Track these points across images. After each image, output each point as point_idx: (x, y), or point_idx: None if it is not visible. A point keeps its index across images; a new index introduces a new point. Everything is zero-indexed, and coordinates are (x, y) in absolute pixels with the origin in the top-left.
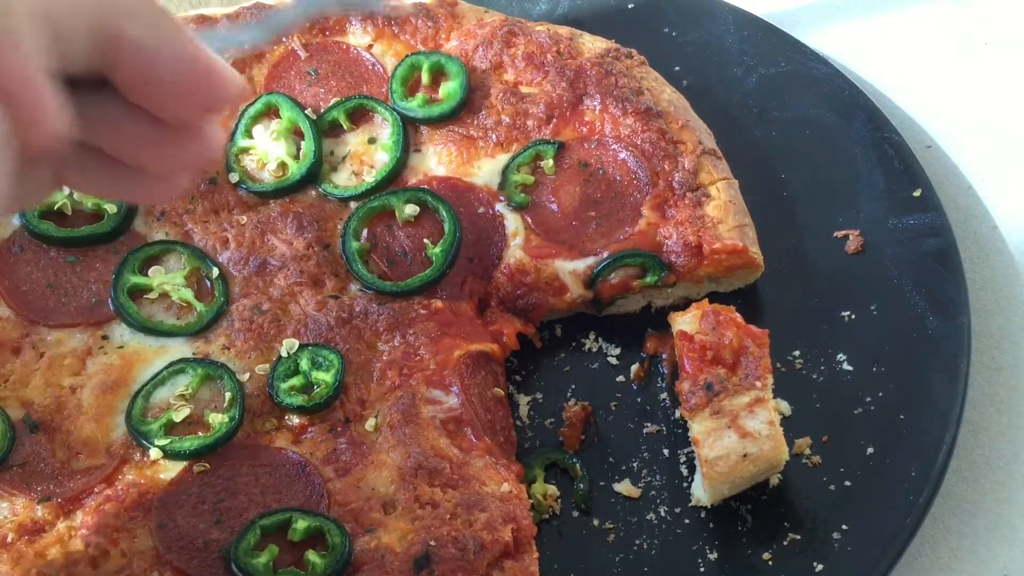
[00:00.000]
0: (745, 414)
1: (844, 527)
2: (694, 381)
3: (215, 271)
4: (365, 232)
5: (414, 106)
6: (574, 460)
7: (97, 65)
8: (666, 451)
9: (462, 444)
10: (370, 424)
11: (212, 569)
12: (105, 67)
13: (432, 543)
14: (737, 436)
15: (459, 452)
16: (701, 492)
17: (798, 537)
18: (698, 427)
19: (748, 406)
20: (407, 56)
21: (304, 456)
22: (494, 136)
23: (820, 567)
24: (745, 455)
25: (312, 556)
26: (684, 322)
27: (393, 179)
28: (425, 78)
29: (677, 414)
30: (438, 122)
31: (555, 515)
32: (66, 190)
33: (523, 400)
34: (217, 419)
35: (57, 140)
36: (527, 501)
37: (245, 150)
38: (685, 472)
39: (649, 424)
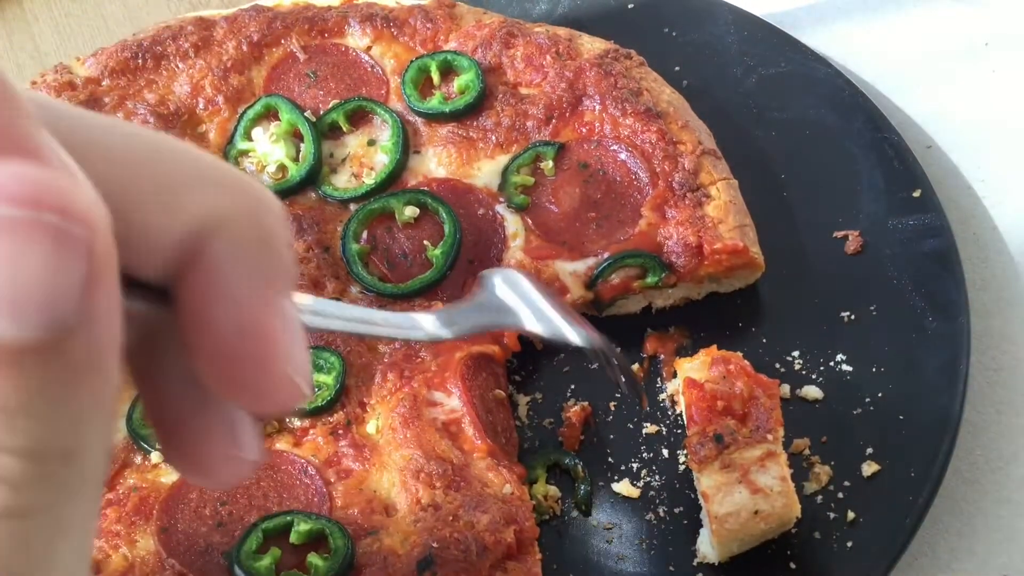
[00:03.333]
0: (756, 468)
1: (843, 527)
2: (703, 432)
3: None
4: (365, 234)
5: (435, 104)
6: (577, 462)
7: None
8: (665, 451)
9: (464, 446)
10: (371, 427)
11: (215, 573)
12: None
13: (435, 545)
14: (748, 492)
15: (461, 454)
16: (708, 548)
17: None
18: (707, 481)
19: (759, 460)
20: (413, 60)
21: (305, 459)
22: (493, 137)
23: None
24: (756, 512)
25: (314, 559)
26: (692, 369)
27: (393, 181)
28: (436, 77)
29: (678, 411)
30: (465, 115)
31: (555, 515)
32: None
33: (522, 400)
34: None
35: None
36: (529, 503)
37: (244, 152)
38: (683, 471)
39: (648, 424)
